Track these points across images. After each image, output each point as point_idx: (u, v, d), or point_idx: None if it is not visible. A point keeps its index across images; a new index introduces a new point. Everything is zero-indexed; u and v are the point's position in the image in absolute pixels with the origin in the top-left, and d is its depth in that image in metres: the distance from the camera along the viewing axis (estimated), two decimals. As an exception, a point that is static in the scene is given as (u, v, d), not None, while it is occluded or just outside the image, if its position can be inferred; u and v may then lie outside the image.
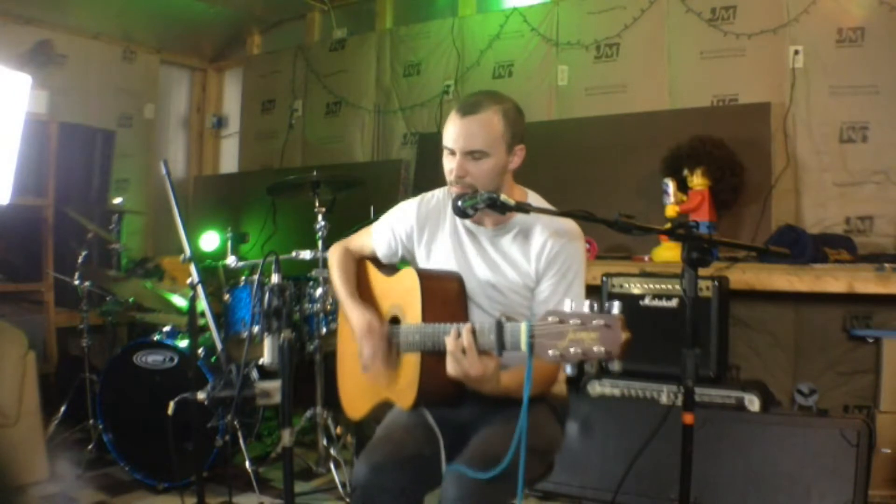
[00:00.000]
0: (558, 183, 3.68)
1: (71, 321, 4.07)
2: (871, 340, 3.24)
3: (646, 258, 3.48)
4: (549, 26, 4.40)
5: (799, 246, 3.08)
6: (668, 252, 3.35)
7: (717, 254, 3.22)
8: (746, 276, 3.02)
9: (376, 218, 2.17)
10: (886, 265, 2.82)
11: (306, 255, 3.22)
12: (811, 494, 2.53)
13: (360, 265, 2.13)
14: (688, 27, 3.92)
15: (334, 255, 2.13)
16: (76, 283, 3.53)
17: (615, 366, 1.34)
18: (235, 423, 2.97)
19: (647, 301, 2.96)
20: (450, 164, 1.82)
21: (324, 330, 3.18)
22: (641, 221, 1.70)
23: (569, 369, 1.39)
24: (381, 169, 4.87)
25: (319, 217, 3.21)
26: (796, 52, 3.62)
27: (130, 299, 3.59)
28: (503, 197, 1.72)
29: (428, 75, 4.88)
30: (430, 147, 4.43)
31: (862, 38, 3.47)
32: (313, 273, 3.21)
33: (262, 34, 5.97)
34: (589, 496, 2.85)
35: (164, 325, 3.32)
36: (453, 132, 1.79)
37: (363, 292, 2.07)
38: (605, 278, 3.06)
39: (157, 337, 3.19)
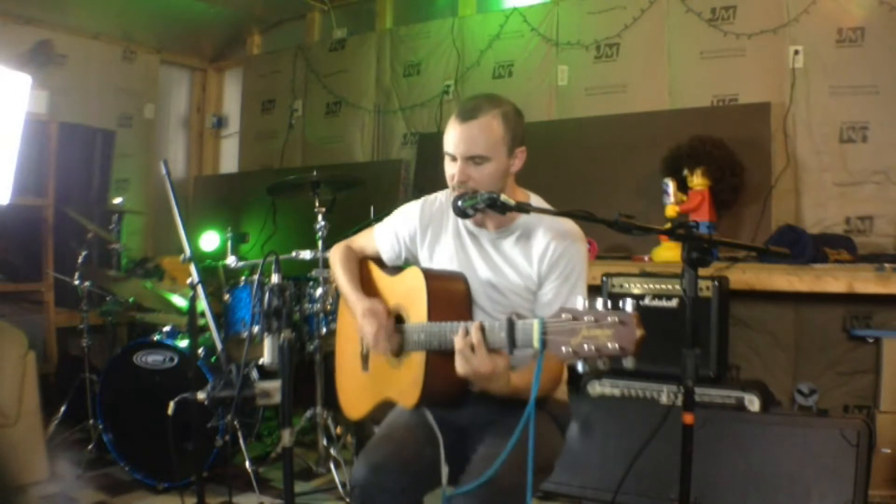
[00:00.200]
0: (558, 183, 3.68)
1: (71, 321, 4.07)
2: (871, 340, 3.24)
3: (646, 258, 3.48)
4: (549, 26, 4.40)
5: (799, 246, 3.08)
6: (668, 252, 3.35)
7: (717, 254, 3.22)
8: (746, 276, 3.02)
9: (376, 218, 2.17)
10: (886, 265, 2.82)
11: (306, 255, 3.22)
12: (811, 494, 2.53)
13: (362, 264, 2.13)
14: (688, 27, 3.92)
15: (337, 252, 2.13)
16: (76, 283, 3.53)
17: (629, 363, 1.35)
18: (235, 423, 2.98)
19: (647, 301, 2.96)
20: (451, 170, 1.82)
21: (324, 330, 3.18)
22: (641, 221, 1.70)
23: (580, 366, 1.39)
24: (381, 169, 4.88)
25: (319, 217, 3.21)
26: (796, 52, 3.62)
27: (130, 299, 3.59)
28: (503, 197, 1.72)
29: (428, 75, 4.88)
30: (430, 147, 4.44)
31: (862, 38, 3.47)
32: (313, 273, 3.21)
33: (262, 34, 5.98)
34: (589, 496, 2.85)
35: (164, 325, 3.32)
36: (454, 138, 1.79)
37: (366, 291, 2.07)
38: (605, 278, 3.06)
39: (157, 337, 3.19)
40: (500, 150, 1.79)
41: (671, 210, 3.40)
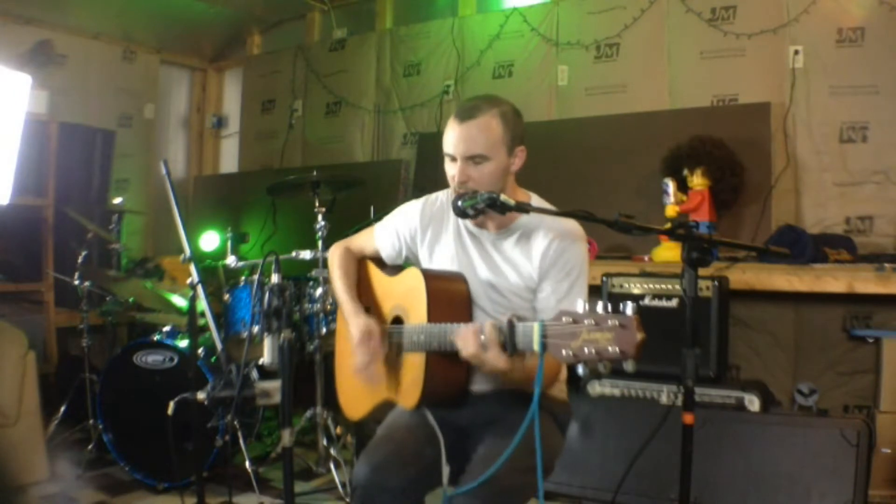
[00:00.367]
0: (558, 183, 3.68)
1: (71, 321, 4.07)
2: (871, 340, 3.24)
3: (646, 258, 3.48)
4: (549, 26, 4.40)
5: (799, 246, 3.08)
6: (668, 252, 3.35)
7: (717, 254, 3.22)
8: (746, 276, 3.02)
9: (376, 218, 2.17)
10: (886, 265, 2.81)
11: (306, 255, 3.22)
12: (811, 494, 2.53)
13: (361, 265, 2.13)
14: (688, 27, 3.92)
15: (335, 254, 2.13)
16: (76, 283, 3.53)
17: (629, 366, 1.35)
18: (235, 423, 2.97)
19: (647, 301, 2.96)
20: (451, 171, 1.83)
21: (324, 330, 3.18)
22: (641, 221, 1.70)
23: (580, 370, 1.39)
24: (381, 169, 4.88)
25: (319, 217, 3.21)
26: (796, 52, 3.62)
27: (130, 299, 3.59)
28: (503, 197, 1.72)
29: (428, 75, 4.88)
30: (430, 147, 4.44)
31: (862, 38, 3.47)
32: (313, 273, 3.21)
33: (262, 34, 5.98)
34: (589, 496, 2.85)
35: (164, 325, 3.32)
36: (453, 138, 1.80)
37: (365, 292, 2.07)
38: (605, 278, 3.06)
39: (157, 337, 3.19)
40: (499, 149, 1.79)
41: (671, 210, 3.40)
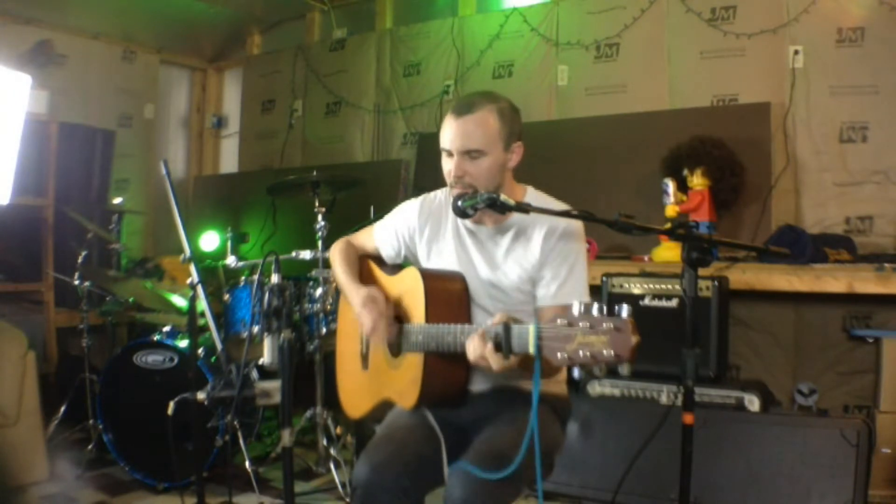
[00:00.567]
0: (558, 183, 3.66)
1: (71, 321, 4.07)
2: (871, 340, 3.24)
3: (646, 258, 3.48)
4: (549, 26, 4.40)
5: (799, 246, 3.08)
6: (668, 252, 3.35)
7: (717, 254, 3.22)
8: (746, 276, 3.02)
9: (376, 218, 2.17)
10: (886, 265, 2.81)
11: (306, 255, 3.22)
12: (811, 494, 2.53)
13: (361, 262, 2.13)
14: (688, 27, 3.92)
15: (337, 247, 2.13)
16: (76, 283, 3.53)
17: (624, 369, 1.35)
18: (235, 423, 2.97)
19: (647, 301, 2.96)
20: (448, 166, 1.83)
21: (324, 330, 3.17)
22: (641, 221, 1.70)
23: (577, 373, 1.40)
24: (381, 169, 4.88)
25: (319, 217, 3.21)
26: (796, 52, 3.62)
27: (130, 299, 3.59)
28: (503, 197, 1.72)
29: (428, 75, 4.88)
30: (430, 147, 4.43)
31: (862, 38, 3.47)
32: (313, 273, 3.21)
33: (262, 34, 5.98)
34: (589, 496, 2.85)
35: (164, 325, 3.32)
36: (449, 133, 1.80)
37: None
38: (605, 278, 3.06)
39: (157, 337, 3.19)
40: (496, 144, 1.79)
41: (671, 210, 3.39)
